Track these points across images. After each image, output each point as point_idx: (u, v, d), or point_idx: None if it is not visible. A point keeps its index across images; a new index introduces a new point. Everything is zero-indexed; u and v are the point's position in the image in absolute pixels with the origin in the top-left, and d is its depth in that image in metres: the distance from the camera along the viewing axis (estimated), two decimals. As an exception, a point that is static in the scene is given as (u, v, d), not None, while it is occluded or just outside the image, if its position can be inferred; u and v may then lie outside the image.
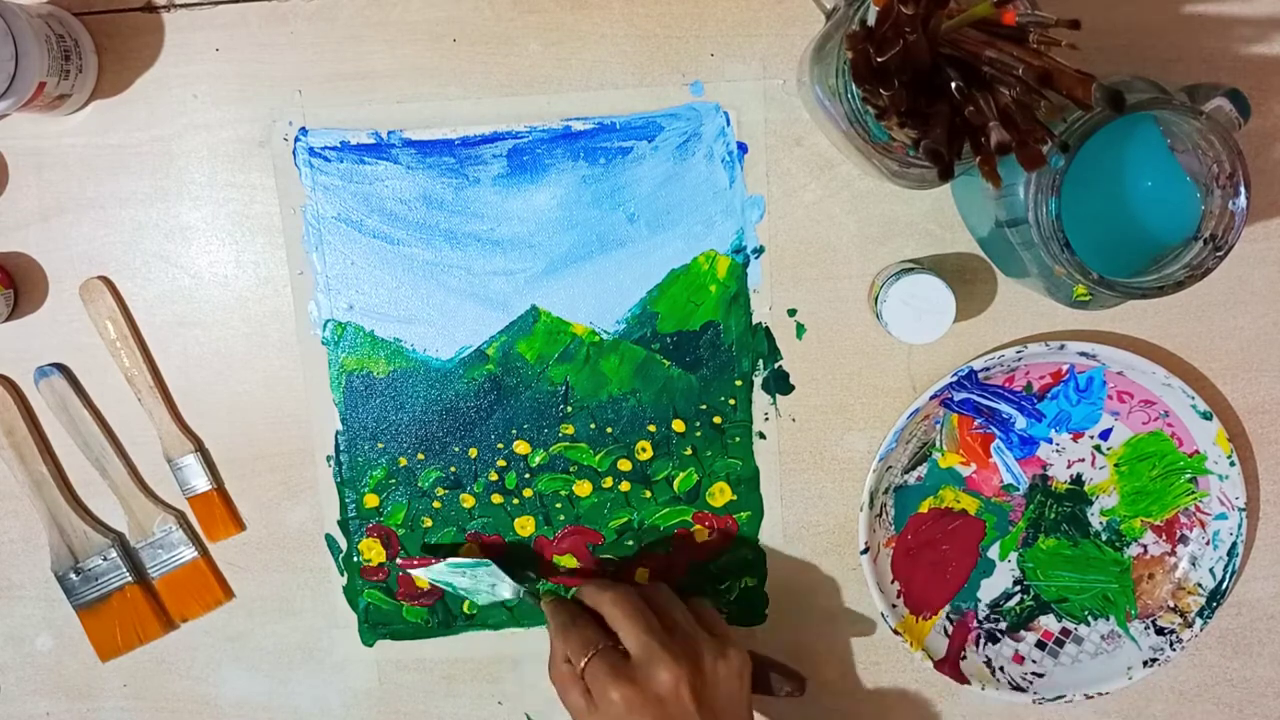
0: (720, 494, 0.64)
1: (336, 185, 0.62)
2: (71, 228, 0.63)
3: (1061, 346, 0.60)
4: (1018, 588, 0.65)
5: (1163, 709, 0.66)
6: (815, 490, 0.64)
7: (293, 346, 0.64)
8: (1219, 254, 0.51)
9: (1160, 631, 0.64)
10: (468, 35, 0.61)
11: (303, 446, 0.65)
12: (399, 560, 0.65)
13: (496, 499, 0.65)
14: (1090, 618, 0.65)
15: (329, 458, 0.65)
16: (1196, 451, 0.63)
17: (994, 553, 0.65)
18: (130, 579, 0.65)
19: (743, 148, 0.61)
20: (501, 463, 0.64)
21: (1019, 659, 0.65)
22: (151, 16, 0.62)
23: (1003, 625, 0.65)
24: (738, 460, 0.64)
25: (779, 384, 0.63)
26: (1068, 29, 0.46)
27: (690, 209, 0.62)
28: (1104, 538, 0.64)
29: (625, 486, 0.64)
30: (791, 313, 0.63)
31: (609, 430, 0.64)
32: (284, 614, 0.66)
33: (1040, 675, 0.65)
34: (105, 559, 0.65)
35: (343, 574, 0.66)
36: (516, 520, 0.65)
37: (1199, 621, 0.63)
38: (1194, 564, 0.64)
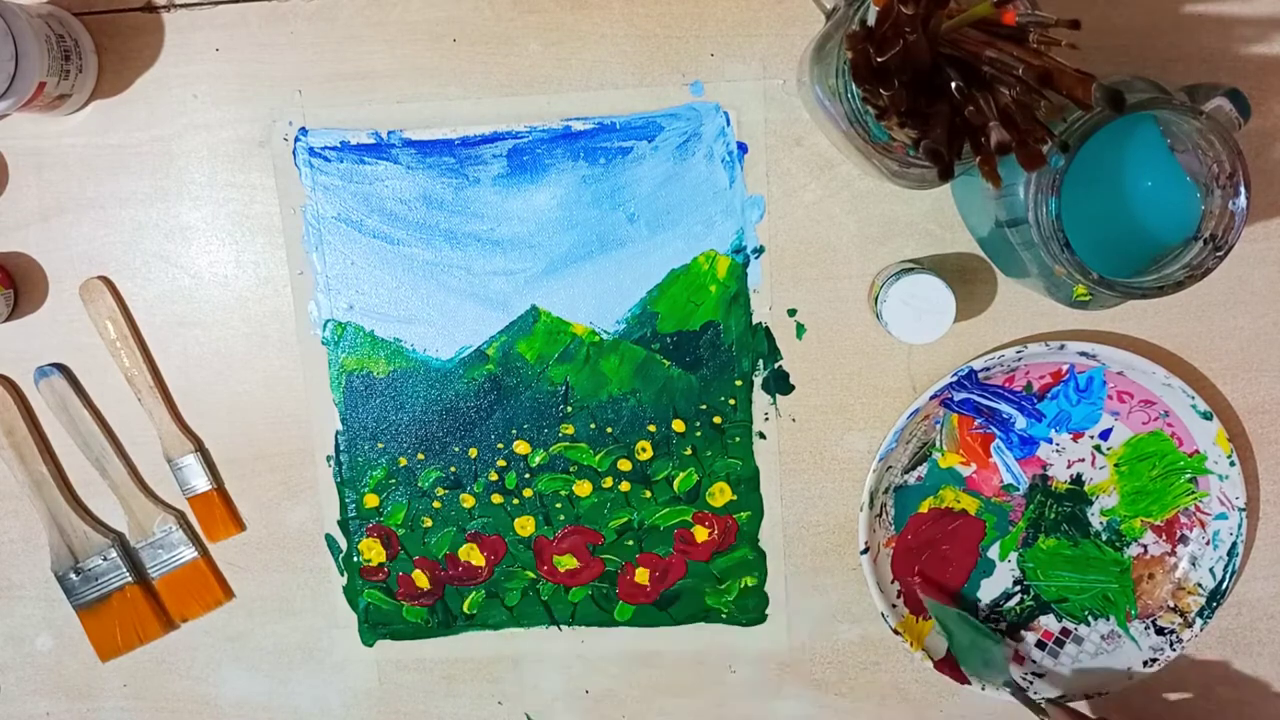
0: (720, 494, 0.64)
1: (336, 185, 0.62)
2: (71, 228, 0.63)
3: (1061, 346, 0.60)
4: (1018, 588, 0.65)
5: (1163, 709, 0.66)
6: (815, 490, 0.64)
7: (293, 346, 0.64)
8: (1219, 254, 0.51)
9: (1160, 631, 0.64)
10: (468, 35, 0.61)
11: (303, 446, 0.65)
12: (920, 589, 0.64)
13: (496, 499, 0.65)
14: (1090, 618, 0.65)
15: (329, 458, 0.65)
16: (1196, 451, 0.63)
17: (994, 553, 0.65)
18: (130, 579, 0.65)
19: (743, 148, 0.61)
20: (501, 463, 0.64)
21: (1019, 659, 0.65)
22: (151, 16, 0.62)
23: (1003, 625, 0.65)
24: (738, 460, 0.64)
25: (779, 384, 0.63)
26: (1068, 29, 0.46)
27: (690, 209, 0.62)
28: (1104, 538, 0.64)
29: (625, 486, 0.64)
30: (791, 313, 0.63)
31: (609, 430, 0.64)
32: (284, 614, 0.66)
33: (1040, 675, 0.65)
34: (105, 559, 0.65)
35: (343, 574, 0.66)
36: (516, 520, 0.65)
37: (1199, 621, 0.63)
38: (1194, 564, 0.64)
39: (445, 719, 0.67)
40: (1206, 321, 0.62)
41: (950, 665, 0.64)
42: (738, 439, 0.64)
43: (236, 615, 0.67)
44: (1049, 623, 0.65)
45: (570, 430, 0.64)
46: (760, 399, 0.63)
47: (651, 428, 0.64)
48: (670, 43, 0.61)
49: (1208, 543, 0.63)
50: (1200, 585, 0.63)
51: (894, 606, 0.64)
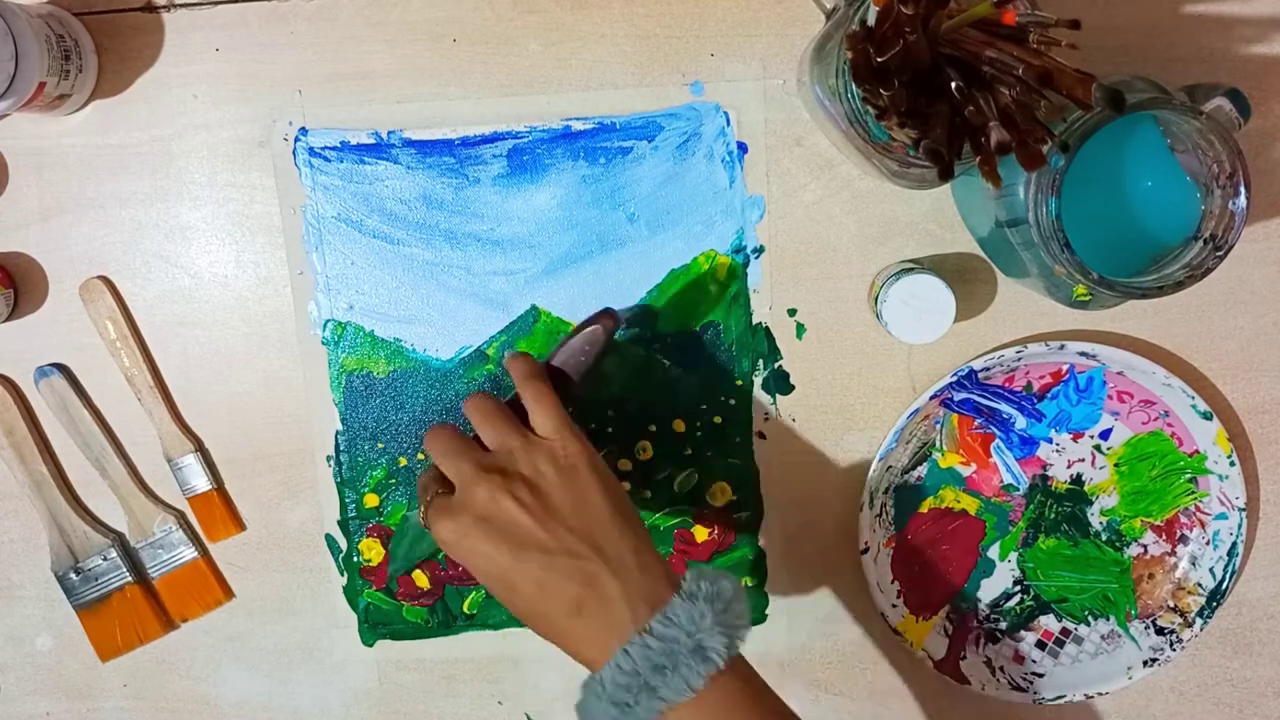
0: (720, 494, 0.64)
1: (336, 185, 0.62)
2: (71, 228, 0.63)
3: (1061, 346, 0.60)
4: (1018, 588, 0.65)
5: (1163, 709, 0.66)
6: (815, 490, 0.64)
7: (293, 346, 0.64)
8: (1219, 254, 0.51)
9: (1160, 631, 0.64)
10: (468, 35, 0.61)
11: (303, 446, 0.65)
12: None
13: (496, 499, 0.65)
14: (1090, 618, 0.65)
15: (329, 458, 0.65)
16: (1196, 451, 0.63)
17: (994, 553, 0.65)
18: (130, 579, 0.65)
19: (743, 148, 0.61)
20: (501, 463, 0.64)
21: (1019, 659, 0.65)
22: (151, 16, 0.62)
23: (1003, 625, 0.65)
24: (738, 460, 0.64)
25: (779, 384, 0.63)
26: (1068, 29, 0.46)
27: (690, 209, 0.62)
28: (1104, 538, 0.64)
29: (625, 487, 0.64)
30: (791, 313, 0.63)
31: (609, 430, 0.64)
32: (284, 614, 0.66)
33: (1040, 675, 0.65)
34: (105, 559, 0.65)
35: (343, 574, 0.66)
36: (516, 520, 0.65)
37: (1199, 621, 0.63)
38: (1194, 564, 0.64)
39: (445, 719, 0.67)
40: (1206, 321, 0.62)
41: (950, 665, 0.64)
42: (738, 439, 0.64)
43: (236, 615, 0.67)
44: (1049, 623, 0.65)
45: (570, 430, 0.64)
46: (760, 399, 0.63)
47: (651, 428, 0.64)
48: (670, 43, 0.61)
49: (1208, 543, 0.63)
50: (1200, 585, 0.63)
51: (894, 606, 0.64)
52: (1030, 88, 0.46)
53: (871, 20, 0.49)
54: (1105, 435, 0.63)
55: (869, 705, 0.66)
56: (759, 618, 0.65)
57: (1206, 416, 0.61)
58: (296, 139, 0.62)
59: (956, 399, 0.63)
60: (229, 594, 0.67)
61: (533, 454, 0.51)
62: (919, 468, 0.64)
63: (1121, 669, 0.64)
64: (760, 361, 0.63)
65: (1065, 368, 0.62)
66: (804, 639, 0.66)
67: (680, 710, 0.46)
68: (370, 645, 0.66)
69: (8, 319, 0.64)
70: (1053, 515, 0.64)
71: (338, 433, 0.64)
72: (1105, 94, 0.45)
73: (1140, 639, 0.64)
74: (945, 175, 0.46)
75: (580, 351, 0.56)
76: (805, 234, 0.62)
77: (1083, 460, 0.64)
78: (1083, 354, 0.61)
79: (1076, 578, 0.65)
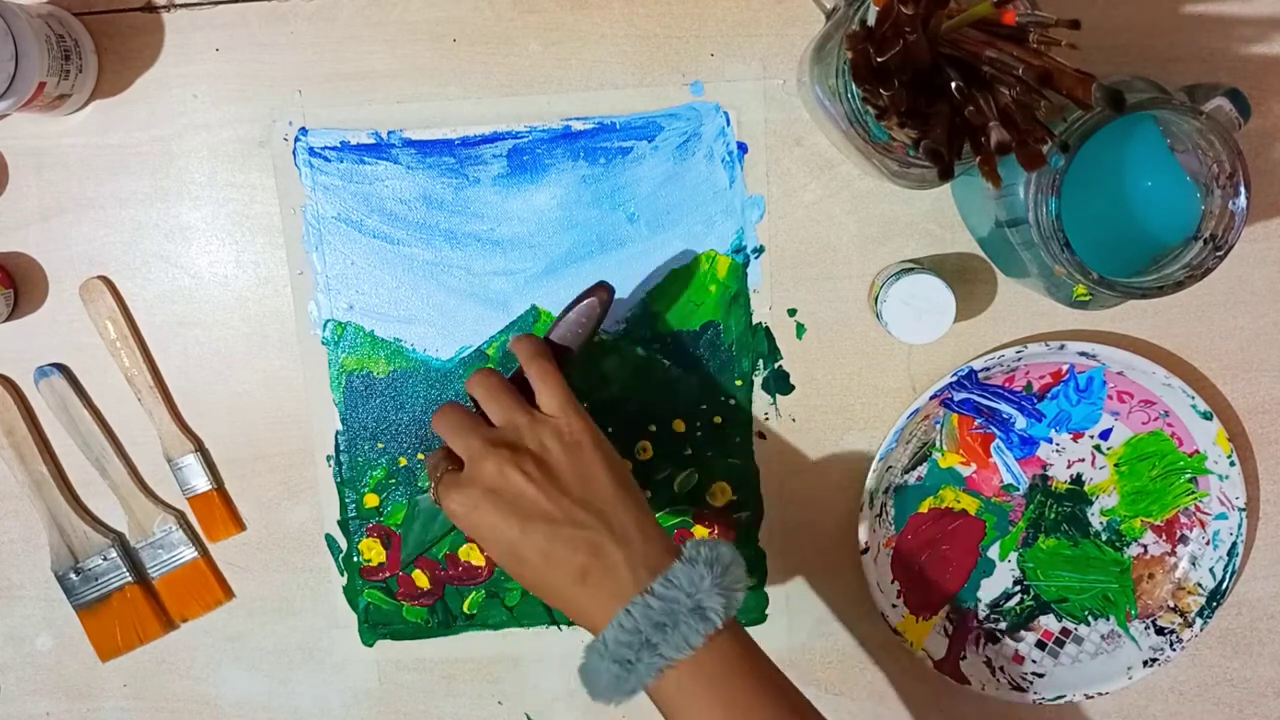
0: (720, 494, 0.64)
1: (336, 185, 0.62)
2: (71, 228, 0.63)
3: (1061, 346, 0.60)
4: (1018, 588, 0.65)
5: (1163, 709, 0.66)
6: (815, 490, 0.64)
7: (293, 346, 0.64)
8: (1219, 254, 0.51)
9: (1160, 631, 0.64)
10: (468, 35, 0.61)
11: (303, 446, 0.65)
12: None
13: (496, 499, 0.65)
14: (1090, 618, 0.65)
15: (329, 458, 0.65)
16: (1196, 451, 0.63)
17: (994, 553, 0.65)
18: (130, 579, 0.65)
19: (743, 148, 0.61)
20: (501, 463, 0.64)
21: (1019, 659, 0.65)
22: (151, 16, 0.62)
23: (1003, 625, 0.65)
24: (738, 460, 0.64)
25: (779, 384, 0.63)
26: (1068, 29, 0.46)
27: (690, 209, 0.62)
28: (1104, 538, 0.64)
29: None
30: (791, 313, 0.63)
31: (609, 430, 0.64)
32: (284, 614, 0.66)
33: (1040, 675, 0.65)
34: (105, 559, 0.65)
35: (343, 574, 0.66)
36: (516, 520, 0.65)
37: (1199, 621, 0.63)
38: (1194, 564, 0.64)
39: (445, 719, 0.67)
40: (1206, 321, 0.62)
41: (950, 665, 0.64)
42: (738, 439, 0.64)
43: (236, 615, 0.67)
44: (1049, 623, 0.65)
45: (570, 430, 0.64)
46: (760, 399, 0.63)
47: (652, 428, 0.64)
48: (670, 43, 0.61)
49: (1208, 543, 0.63)
50: (1200, 585, 0.63)
51: (894, 606, 0.64)
52: (1030, 88, 0.46)
53: (871, 20, 0.49)
54: (1105, 435, 0.63)
55: (869, 705, 0.66)
56: (759, 618, 0.65)
57: (1206, 416, 0.61)
58: (296, 139, 0.62)
59: (956, 399, 0.63)
60: (229, 594, 0.67)
61: (538, 430, 0.53)
62: (919, 468, 0.64)
63: (1121, 669, 0.64)
64: (760, 361, 0.63)
65: (1065, 368, 0.62)
66: (804, 639, 0.66)
67: (679, 669, 0.48)
68: (370, 645, 0.66)
69: (8, 319, 0.64)
70: (1053, 515, 0.64)
71: (338, 433, 0.64)
72: (1105, 94, 0.45)
73: (1140, 639, 0.64)
74: (945, 175, 0.46)
75: (578, 324, 0.58)
76: (805, 234, 0.62)
77: (1083, 460, 0.64)
78: (1083, 354, 0.61)
79: (1076, 578, 0.65)
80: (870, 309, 0.62)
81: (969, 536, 0.64)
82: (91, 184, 0.63)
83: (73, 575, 0.65)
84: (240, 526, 0.66)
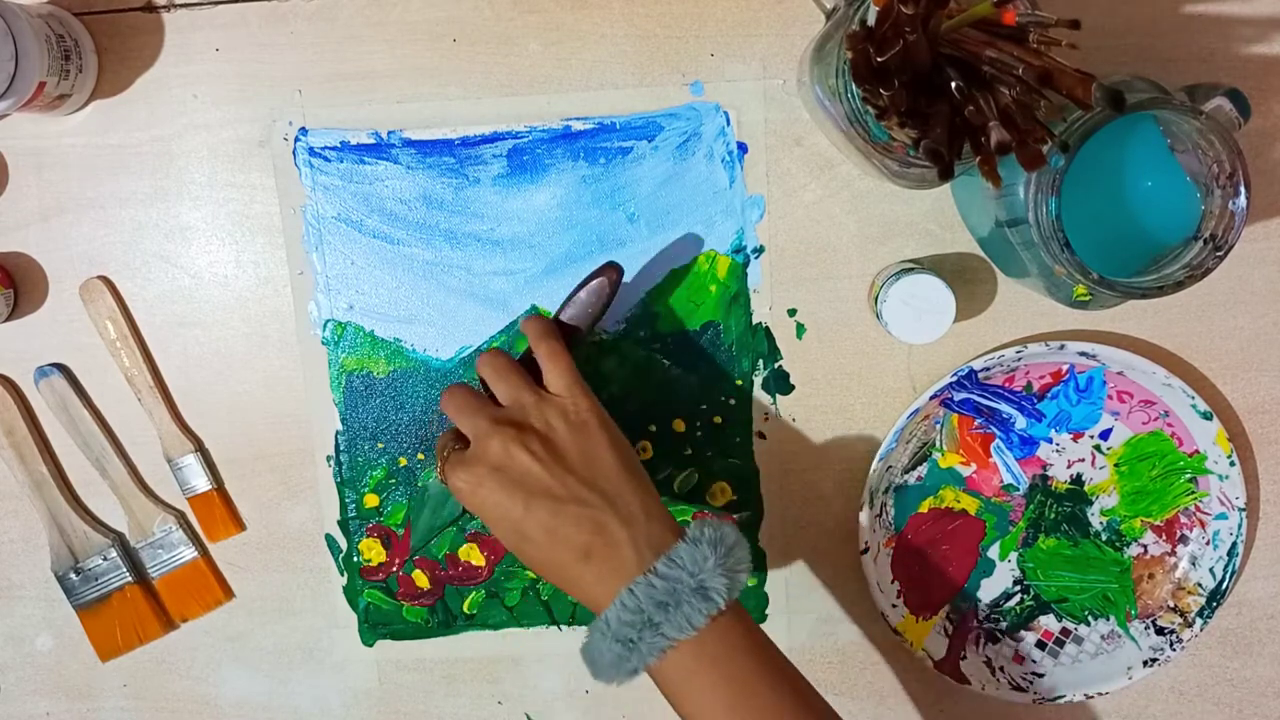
0: (720, 494, 0.64)
1: (336, 185, 0.62)
2: (71, 228, 0.63)
3: (1061, 346, 0.60)
4: (1018, 588, 0.65)
5: (1163, 709, 0.66)
6: (815, 490, 0.64)
7: (293, 346, 0.64)
8: (1219, 254, 0.51)
9: (1160, 631, 0.64)
10: (468, 35, 0.61)
11: (303, 446, 0.65)
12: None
13: (496, 499, 0.65)
14: (1090, 618, 0.65)
15: (329, 458, 0.65)
16: (1196, 451, 0.63)
17: (994, 553, 0.65)
18: (130, 579, 0.65)
19: (743, 148, 0.61)
20: (501, 463, 0.64)
21: (1019, 659, 0.65)
22: (151, 16, 0.62)
23: (1003, 625, 0.65)
24: (738, 460, 0.64)
25: (779, 384, 0.63)
26: (1068, 29, 0.46)
27: (690, 209, 0.62)
28: (1104, 538, 0.64)
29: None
30: (791, 313, 0.63)
31: (609, 430, 0.64)
32: (284, 614, 0.66)
33: (1040, 675, 0.65)
34: (105, 559, 0.65)
35: (343, 574, 0.66)
36: (516, 520, 0.65)
37: (1199, 621, 0.63)
38: (1194, 564, 0.64)
39: (445, 719, 0.67)
40: (1206, 321, 0.62)
41: (950, 665, 0.64)
42: (738, 439, 0.64)
43: (236, 615, 0.67)
44: (1049, 623, 0.65)
45: (570, 430, 0.64)
46: (760, 399, 0.63)
47: (652, 428, 0.64)
48: (670, 43, 0.61)
49: (1208, 543, 0.63)
50: (1200, 585, 0.63)
51: (894, 606, 0.64)
52: (1030, 88, 0.46)
53: (871, 20, 0.49)
54: (1105, 435, 0.63)
55: (869, 705, 0.66)
56: (759, 618, 0.65)
57: (1206, 416, 0.61)
58: (296, 139, 0.62)
59: (956, 399, 0.63)
60: (229, 594, 0.67)
61: (545, 409, 0.53)
62: (919, 468, 0.64)
63: (1121, 669, 0.64)
64: (760, 361, 0.63)
65: (1065, 368, 0.62)
66: (804, 639, 0.66)
67: (681, 649, 0.48)
68: (370, 645, 0.66)
69: (8, 319, 0.64)
70: (1053, 515, 0.64)
71: (338, 433, 0.64)
72: (1105, 94, 0.45)
73: (1140, 639, 0.64)
74: (945, 175, 0.46)
75: (587, 304, 0.58)
76: (805, 234, 0.62)
77: (1083, 460, 0.64)
78: (1083, 354, 0.61)
79: (1076, 578, 0.65)
80: (870, 309, 0.62)
81: (969, 536, 0.64)
82: (91, 184, 0.63)
83: (73, 575, 0.65)
84: (240, 526, 0.66)
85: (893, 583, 0.64)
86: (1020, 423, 0.63)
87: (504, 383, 0.55)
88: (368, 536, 0.65)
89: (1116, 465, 0.64)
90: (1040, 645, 0.65)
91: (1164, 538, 0.64)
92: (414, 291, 0.63)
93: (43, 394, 0.64)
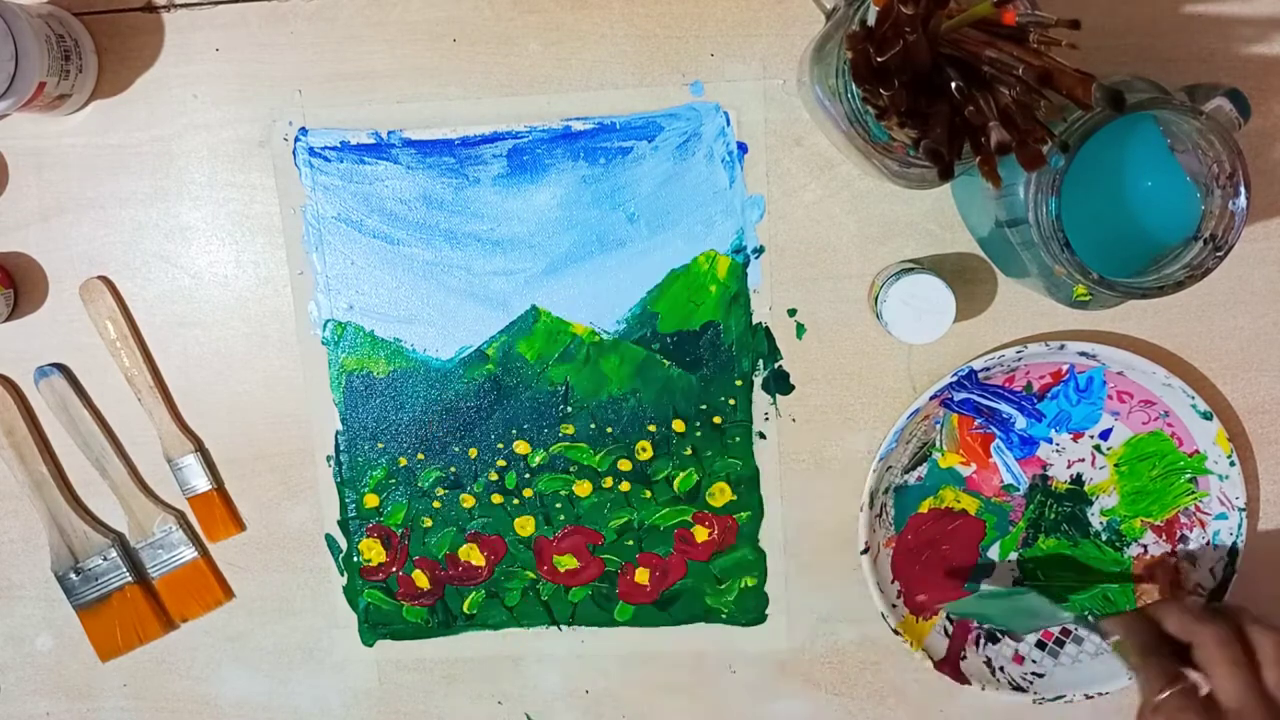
0: (720, 494, 0.64)
1: (336, 185, 0.62)
2: (71, 228, 0.63)
3: (1061, 346, 0.60)
4: (1018, 588, 0.65)
5: (1163, 709, 0.66)
6: (815, 490, 0.64)
7: (293, 346, 0.64)
8: (1219, 254, 0.51)
9: (1160, 631, 0.64)
10: (468, 35, 0.61)
11: (303, 446, 0.65)
12: (949, 612, 0.63)
13: (496, 499, 0.65)
14: (1090, 618, 0.65)
15: (329, 458, 0.65)
16: (1196, 451, 0.63)
17: (994, 553, 0.65)
18: (130, 579, 0.65)
19: (743, 148, 0.61)
20: (501, 462, 0.64)
21: (1019, 659, 0.65)
22: (151, 16, 0.62)
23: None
24: (738, 460, 0.64)
25: (779, 384, 0.63)
26: (1068, 29, 0.46)
27: (690, 209, 0.62)
28: (1104, 538, 0.64)
29: (625, 486, 0.64)
30: (791, 313, 0.63)
31: (609, 430, 0.64)
32: (284, 614, 0.66)
33: (1040, 675, 0.65)
34: (105, 559, 0.65)
35: (343, 574, 0.66)
36: (516, 520, 0.65)
37: (1199, 621, 0.63)
38: (1194, 564, 0.64)
39: (445, 719, 0.67)
40: (1206, 321, 0.62)
41: (950, 665, 0.64)
42: (738, 439, 0.64)
43: (236, 615, 0.67)
44: (1049, 623, 0.65)
45: (570, 430, 0.64)
46: (760, 399, 0.63)
47: (651, 428, 0.64)
48: (670, 43, 0.61)
49: (1208, 543, 0.63)
50: (1200, 585, 0.63)
51: (894, 606, 0.64)
52: (1030, 88, 0.46)
53: (871, 20, 0.49)
54: (1105, 435, 0.63)
55: (869, 705, 0.66)
56: (759, 618, 0.65)
57: (1206, 416, 0.61)
58: (296, 139, 0.62)
59: (956, 399, 0.63)
60: (229, 594, 0.67)
61: None
62: (919, 468, 0.64)
63: (1121, 669, 0.64)
64: (760, 361, 0.63)
65: (1065, 368, 0.62)
66: (804, 639, 0.66)
67: None
68: (370, 645, 0.66)
69: (8, 319, 0.64)
70: (1053, 515, 0.64)
71: (338, 433, 0.64)
72: (1105, 94, 0.45)
73: (1140, 639, 0.64)
74: (945, 175, 0.46)
75: None
76: (805, 234, 0.62)
77: (1083, 460, 0.64)
78: (1083, 354, 0.61)
79: (1076, 578, 0.65)
80: (870, 309, 0.62)
81: (969, 536, 0.64)
82: (91, 184, 0.63)
83: (73, 575, 0.65)
84: (240, 526, 0.66)
85: (893, 583, 0.64)
86: (1020, 423, 0.63)
87: (1235, 680, 0.50)
88: (368, 536, 0.65)
89: (1116, 465, 0.64)
90: (1040, 645, 0.65)
91: (1164, 538, 0.64)
92: (414, 291, 0.63)
93: (43, 394, 0.64)
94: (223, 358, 0.64)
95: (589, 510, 0.65)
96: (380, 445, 0.64)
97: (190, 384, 0.65)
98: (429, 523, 0.65)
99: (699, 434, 0.64)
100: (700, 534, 0.65)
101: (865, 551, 0.63)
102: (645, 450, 0.64)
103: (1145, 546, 0.64)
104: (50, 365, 0.64)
